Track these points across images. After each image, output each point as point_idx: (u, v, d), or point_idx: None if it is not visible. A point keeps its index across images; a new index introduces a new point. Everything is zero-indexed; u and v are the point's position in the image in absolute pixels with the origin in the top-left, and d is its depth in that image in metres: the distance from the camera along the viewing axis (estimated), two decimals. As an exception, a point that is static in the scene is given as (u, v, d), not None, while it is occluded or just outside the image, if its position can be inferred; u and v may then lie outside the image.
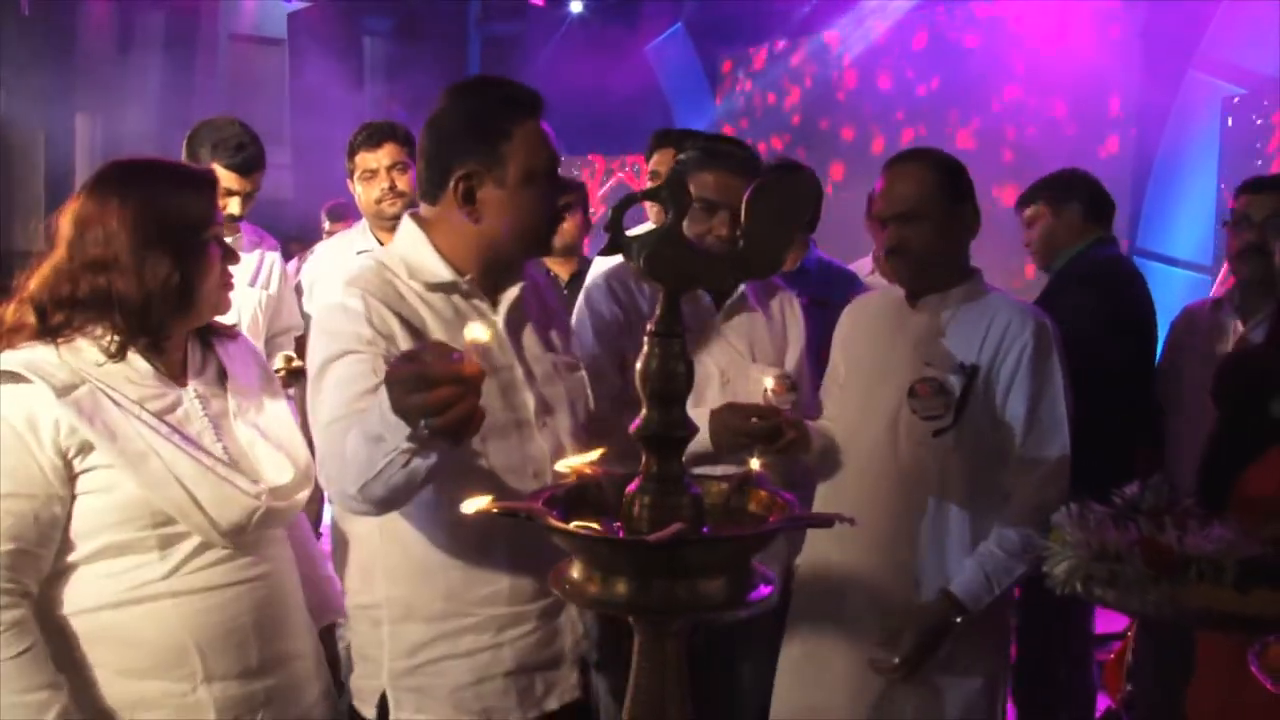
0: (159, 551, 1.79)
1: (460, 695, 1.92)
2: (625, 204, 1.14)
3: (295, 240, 6.20)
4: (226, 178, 3.28)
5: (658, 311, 1.04)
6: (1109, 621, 4.66)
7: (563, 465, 1.14)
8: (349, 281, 1.91)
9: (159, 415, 1.80)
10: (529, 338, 2.03)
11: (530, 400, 1.96)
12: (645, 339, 1.04)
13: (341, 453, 1.70)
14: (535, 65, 10.94)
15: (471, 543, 1.88)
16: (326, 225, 5.94)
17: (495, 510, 1.02)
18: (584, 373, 2.17)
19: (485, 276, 1.97)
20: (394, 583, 1.93)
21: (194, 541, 1.80)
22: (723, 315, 2.54)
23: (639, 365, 1.04)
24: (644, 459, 1.03)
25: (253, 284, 3.68)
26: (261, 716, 1.86)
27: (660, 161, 3.72)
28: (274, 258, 3.76)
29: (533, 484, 1.89)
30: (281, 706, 1.89)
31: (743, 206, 1.07)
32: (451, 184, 1.89)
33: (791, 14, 8.74)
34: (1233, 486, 1.93)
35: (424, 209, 1.99)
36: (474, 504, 1.03)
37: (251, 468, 1.87)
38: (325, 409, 1.82)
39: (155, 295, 1.77)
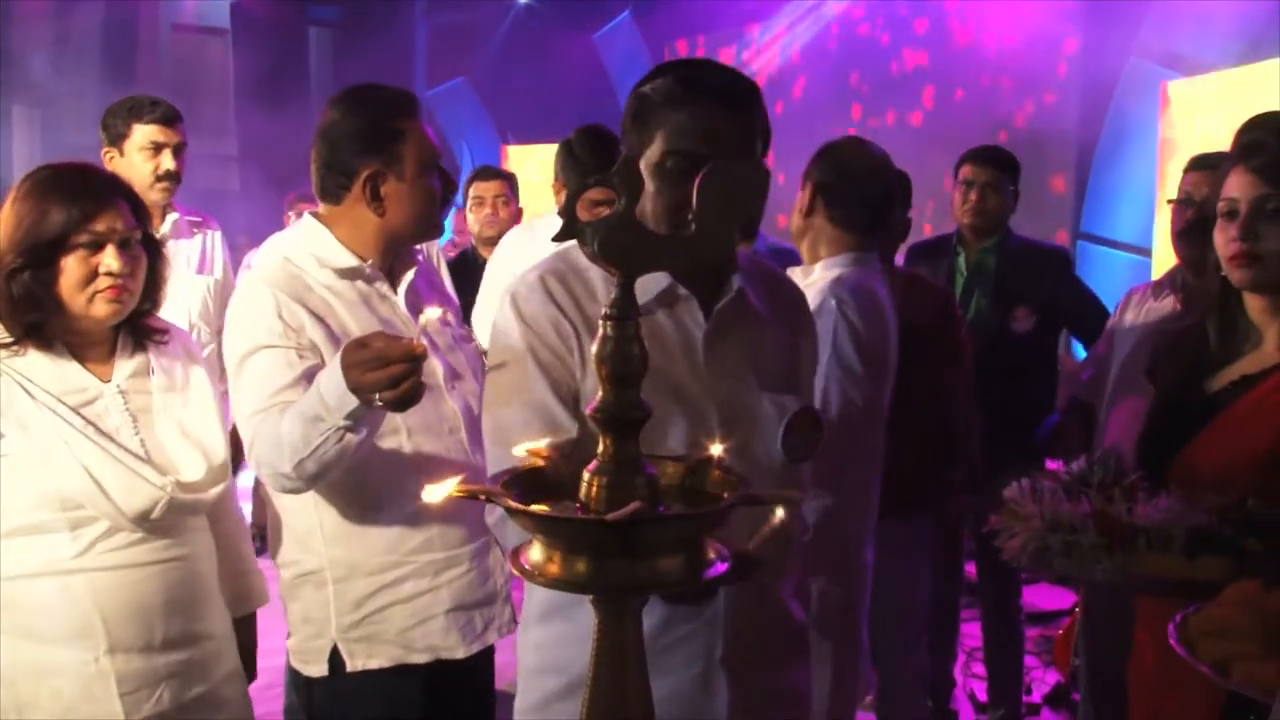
0: (70, 532, 1.92)
1: (408, 637, 2.11)
2: (579, 190, 1.16)
3: (244, 233, 6.12)
4: (154, 132, 3.41)
5: (613, 296, 1.05)
6: (1057, 598, 4.76)
7: (520, 450, 1.15)
8: (259, 279, 2.11)
9: (76, 408, 1.94)
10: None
11: (439, 367, 2.18)
12: (600, 323, 1.05)
13: (274, 437, 1.93)
14: (483, 54, 10.89)
15: (402, 498, 2.06)
16: (291, 217, 5.88)
17: (458, 494, 1.03)
18: (477, 343, 2.40)
19: (384, 262, 2.20)
20: (335, 545, 2.11)
21: (104, 524, 1.93)
22: (713, 324, 1.75)
23: (594, 349, 1.06)
24: (600, 440, 1.05)
25: (200, 270, 3.65)
26: (164, 688, 1.99)
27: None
28: (215, 241, 3.72)
29: (449, 440, 2.14)
30: (186, 681, 2.02)
31: (694, 193, 1.09)
32: (360, 184, 2.11)
33: (739, 3, 8.77)
34: (1171, 463, 1.98)
35: (323, 209, 2.20)
36: (437, 490, 1.04)
37: (166, 461, 2.00)
38: (247, 401, 2.03)
39: (1, 298, 1.91)
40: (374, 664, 2.11)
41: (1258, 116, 2.09)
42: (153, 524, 1.96)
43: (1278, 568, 1.67)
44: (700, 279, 1.75)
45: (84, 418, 1.94)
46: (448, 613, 2.14)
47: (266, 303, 2.04)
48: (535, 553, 1.03)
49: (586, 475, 1.04)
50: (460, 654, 2.16)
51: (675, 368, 1.72)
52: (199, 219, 3.70)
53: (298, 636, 2.17)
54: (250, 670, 2.27)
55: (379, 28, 10.44)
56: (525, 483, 1.09)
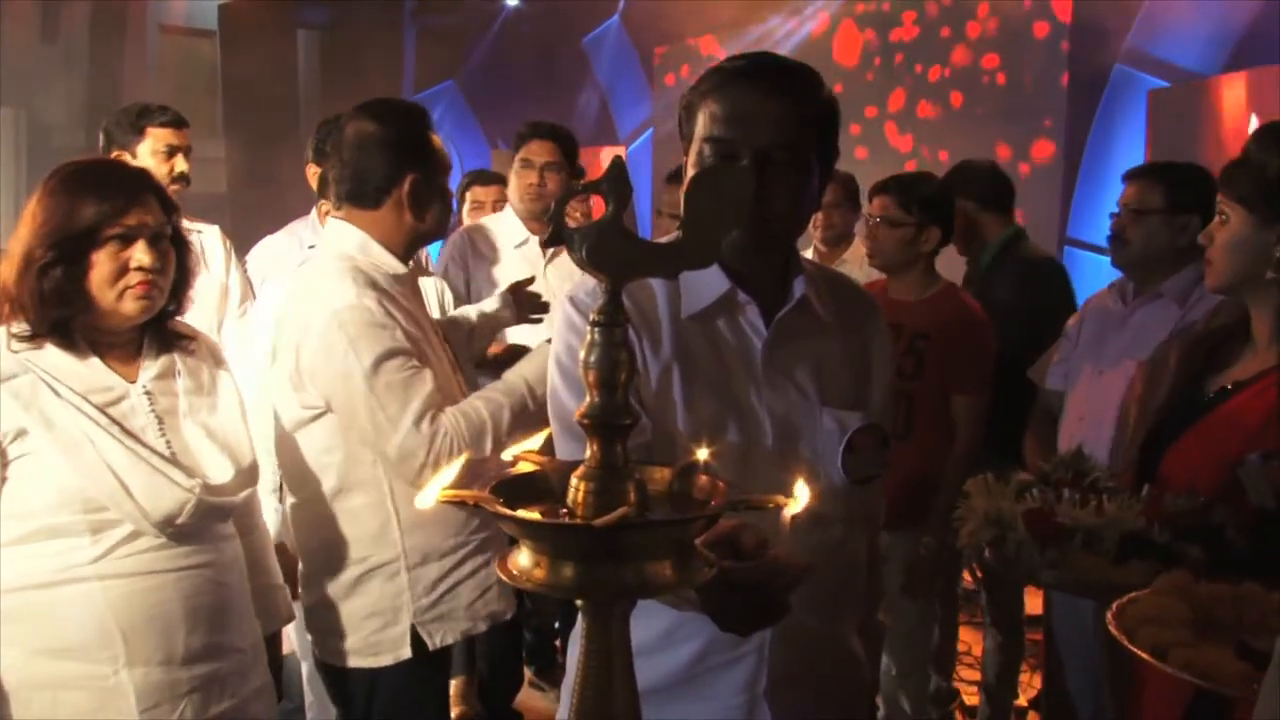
0: (90, 536, 1.85)
1: (473, 609, 2.39)
2: (567, 196, 1.15)
3: (229, 236, 6.07)
4: (169, 135, 3.51)
5: (600, 302, 1.05)
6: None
7: (509, 453, 1.15)
8: (354, 281, 2.22)
9: (102, 407, 1.88)
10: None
11: (445, 356, 2.44)
12: (589, 329, 1.05)
13: (474, 430, 2.19)
14: (472, 58, 10.88)
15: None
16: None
17: (444, 501, 1.03)
18: None
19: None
20: (411, 534, 2.31)
21: (126, 528, 1.87)
22: (774, 333, 1.67)
23: (582, 354, 1.06)
24: (588, 445, 1.05)
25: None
26: (186, 704, 1.91)
27: None
28: (206, 242, 3.73)
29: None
30: (209, 696, 1.95)
31: (681, 199, 1.09)
32: (405, 189, 2.30)
33: (727, 6, 8.78)
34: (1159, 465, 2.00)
35: (350, 212, 2.34)
36: (426, 497, 1.05)
37: (193, 463, 1.95)
38: (407, 410, 2.16)
39: (28, 293, 1.87)
40: (450, 639, 2.35)
41: (1268, 125, 2.15)
42: (178, 529, 1.89)
43: (1212, 577, 1.67)
44: (761, 283, 1.67)
45: (110, 416, 1.88)
46: (500, 582, 2.27)
47: (375, 308, 2.20)
48: (523, 557, 1.03)
49: (574, 480, 1.05)
50: (508, 616, 2.46)
51: (731, 377, 1.64)
52: (190, 223, 3.72)
53: (362, 632, 2.28)
54: (279, 688, 2.24)
55: (368, 31, 10.39)
56: (513, 488, 1.09)
